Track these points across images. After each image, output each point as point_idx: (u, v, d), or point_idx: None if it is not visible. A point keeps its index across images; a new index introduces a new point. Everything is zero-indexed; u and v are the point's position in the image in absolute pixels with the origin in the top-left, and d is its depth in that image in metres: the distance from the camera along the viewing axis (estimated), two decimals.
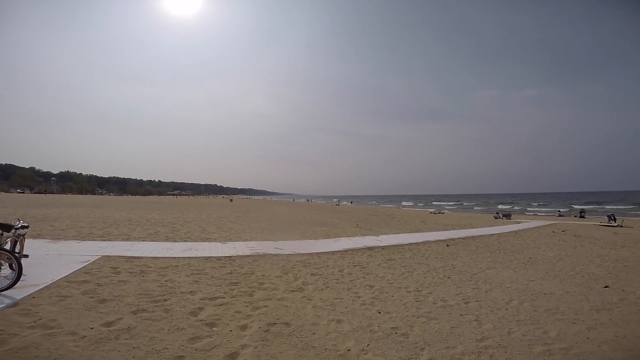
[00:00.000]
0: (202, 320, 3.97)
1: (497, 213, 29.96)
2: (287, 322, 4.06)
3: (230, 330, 3.74)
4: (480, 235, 13.81)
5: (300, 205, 52.78)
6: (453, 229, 16.96)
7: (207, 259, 7.39)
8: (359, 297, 5.27)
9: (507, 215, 28.03)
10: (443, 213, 36.51)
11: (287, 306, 4.64)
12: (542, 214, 42.41)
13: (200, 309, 4.33)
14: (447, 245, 10.88)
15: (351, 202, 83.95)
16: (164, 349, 3.21)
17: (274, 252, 8.41)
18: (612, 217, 22.34)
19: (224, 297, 4.84)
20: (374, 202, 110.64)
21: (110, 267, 6.12)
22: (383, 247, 10.10)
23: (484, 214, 37.71)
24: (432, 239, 12.18)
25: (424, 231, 15.46)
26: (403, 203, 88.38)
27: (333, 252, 8.98)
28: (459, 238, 12.81)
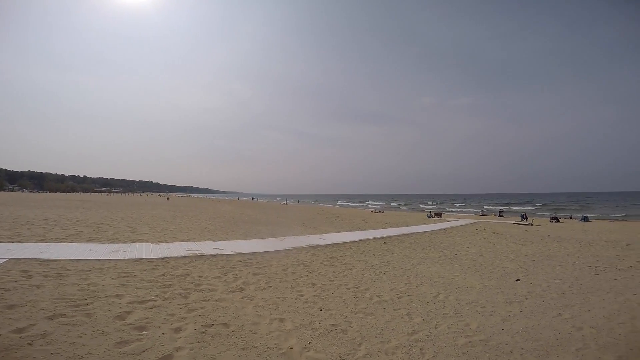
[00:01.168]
0: (130, 324, 3.72)
1: (430, 212, 32.76)
2: (225, 323, 3.99)
3: (163, 333, 3.57)
4: (414, 233, 15.00)
5: (246, 204, 51.35)
6: (391, 227, 18.13)
7: (137, 261, 6.87)
8: (302, 295, 5.39)
9: (439, 214, 30.81)
10: (383, 212, 38.69)
11: (225, 307, 4.55)
12: (464, 213, 47.35)
13: (128, 312, 4.05)
14: (385, 243, 11.63)
15: (298, 201, 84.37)
16: (87, 354, 2.97)
17: (212, 253, 8.13)
18: (524, 217, 25.93)
19: (155, 300, 4.58)
20: (315, 201, 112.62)
21: (21, 271, 5.38)
22: (326, 246, 10.41)
23: (418, 213, 40.84)
24: (372, 237, 12.90)
25: (365, 229, 16.27)
26: (339, 202, 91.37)
27: (277, 251, 9.00)
28: (395, 236, 13.78)
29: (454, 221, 24.15)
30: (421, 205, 66.43)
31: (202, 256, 7.72)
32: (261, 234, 12.82)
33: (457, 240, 13.38)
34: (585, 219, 28.93)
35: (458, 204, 75.66)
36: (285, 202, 63.13)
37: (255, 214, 24.54)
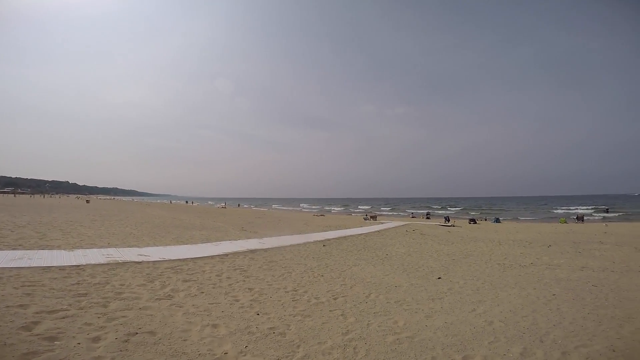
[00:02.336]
0: (38, 334, 3.34)
1: (366, 215, 34.47)
2: (151, 331, 3.77)
3: (79, 343, 3.26)
4: (351, 235, 15.68)
5: (179, 207, 47.89)
6: (331, 230, 18.68)
7: (46, 268, 6.05)
8: (237, 300, 5.30)
9: (374, 217, 32.56)
10: (324, 215, 39.54)
11: (151, 315, 4.29)
12: (398, 216, 50.83)
13: (36, 323, 3.62)
14: (324, 246, 11.97)
15: (238, 205, 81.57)
16: None
17: (137, 260, 7.50)
18: (447, 219, 28.74)
19: (67, 310, 4.13)
20: (256, 205, 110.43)
21: None
22: (266, 250, 10.34)
23: (356, 216, 42.61)
24: (312, 240, 13.18)
25: (306, 233, 16.50)
26: (273, 206, 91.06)
27: (212, 257, 8.66)
28: (334, 238, 14.25)
29: (388, 223, 25.79)
30: (359, 207, 69.52)
31: (124, 263, 7.07)
32: (194, 239, 12.19)
33: (389, 241, 14.33)
34: (497, 220, 33.17)
35: (388, 208, 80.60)
36: (223, 206, 60.44)
37: (189, 218, 23.17)
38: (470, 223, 29.24)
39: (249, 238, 13.12)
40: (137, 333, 3.68)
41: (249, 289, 6.01)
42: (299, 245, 11.84)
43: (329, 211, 65.23)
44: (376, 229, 19.74)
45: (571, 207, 56.55)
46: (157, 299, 4.99)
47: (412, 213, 50.47)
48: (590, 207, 55.88)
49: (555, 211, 51.40)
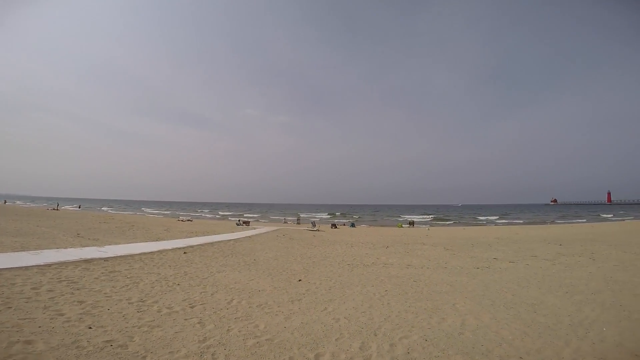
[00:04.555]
0: None
1: (239, 220, 33.93)
2: None
3: None
4: (219, 241, 15.17)
5: None
6: (197, 236, 17.54)
7: None
8: (61, 314, 4.54)
9: (247, 222, 32.33)
10: (191, 220, 36.72)
11: None
12: (269, 220, 52.04)
13: None
14: (185, 253, 11.19)
15: (79, 207, 66.57)
16: None
17: None
18: (313, 224, 31.07)
19: None
20: (119, 207, 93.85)
21: None
22: (106, 259, 8.94)
23: (228, 221, 41.31)
24: (170, 247, 12.11)
25: (165, 239, 15.00)
26: (143, 209, 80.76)
27: (27, 268, 6.96)
28: (198, 245, 13.49)
29: (260, 229, 26.06)
30: (234, 212, 67.55)
31: None
32: (3, 246, 9.48)
33: (259, 246, 14.54)
34: (352, 225, 37.89)
35: (264, 213, 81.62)
36: (55, 207, 48.17)
37: (1, 222, 17.76)
38: (332, 228, 32.41)
39: (85, 246, 11.06)
40: None
41: (79, 301, 5.17)
42: (152, 253, 10.70)
43: (200, 216, 61.08)
44: (247, 235, 19.69)
45: (413, 215, 69.27)
46: None
47: (284, 218, 52.36)
48: (421, 215, 70.07)
49: (396, 218, 62.10)
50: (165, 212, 68.53)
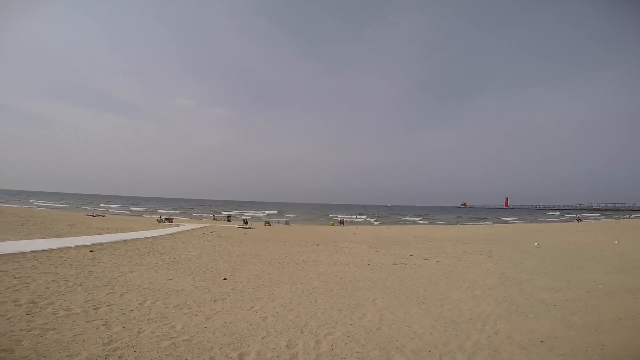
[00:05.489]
0: None
1: (160, 216, 31.45)
2: None
3: None
4: (134, 239, 13.87)
5: None
6: (108, 233, 15.80)
7: None
8: None
9: (170, 219, 30.11)
10: (104, 216, 32.88)
11: None
12: (197, 216, 49.37)
13: None
14: (91, 251, 10.02)
15: None
16: None
17: None
18: (246, 221, 30.36)
19: None
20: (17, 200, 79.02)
21: None
22: None
23: (149, 217, 38.05)
24: (74, 245, 10.72)
25: (68, 236, 13.22)
26: (31, 201, 69.72)
27: None
28: (109, 242, 12.16)
29: (185, 226, 24.48)
30: (159, 210, 62.00)
31: None
32: None
33: (181, 244, 13.67)
34: (287, 223, 37.98)
35: (192, 209, 77.01)
36: None
37: None
38: (265, 225, 32.05)
39: None
40: None
41: None
42: (50, 251, 9.36)
43: (107, 210, 54.99)
44: (169, 232, 18.32)
45: (345, 214, 71.77)
46: None
47: (213, 215, 50.03)
48: (354, 215, 73.10)
49: (330, 217, 63.86)
50: (60, 205, 60.18)
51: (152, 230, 18.70)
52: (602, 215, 72.89)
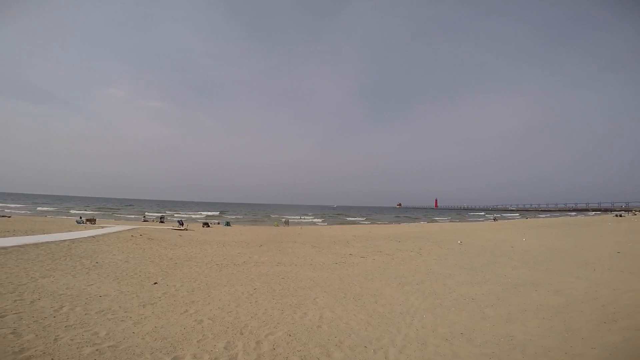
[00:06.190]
0: None
1: (80, 217, 28.33)
2: None
3: None
4: (48, 242, 12.32)
5: None
6: (14, 235, 13.77)
7: None
8: None
9: (92, 220, 27.21)
10: (10, 217, 28.48)
11: None
12: (126, 217, 45.41)
13: None
14: None
15: None
16: None
17: None
18: (181, 222, 28.69)
19: None
20: None
21: None
22: None
23: (67, 218, 33.94)
24: None
25: None
26: None
27: None
28: (15, 246, 10.64)
29: (110, 227, 22.30)
30: (72, 211, 55.21)
31: None
32: None
33: (105, 247, 12.47)
34: (227, 224, 36.71)
35: (122, 208, 70.51)
36: None
37: None
38: (204, 227, 30.62)
39: None
40: None
41: None
42: None
43: (18, 212, 47.79)
44: (90, 234, 16.54)
45: (292, 215, 71.38)
46: None
47: (144, 216, 46.31)
48: (301, 215, 73.17)
49: (276, 217, 63.30)
50: None
51: (70, 233, 16.75)
52: (519, 215, 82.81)
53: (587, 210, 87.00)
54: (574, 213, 79.39)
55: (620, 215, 47.71)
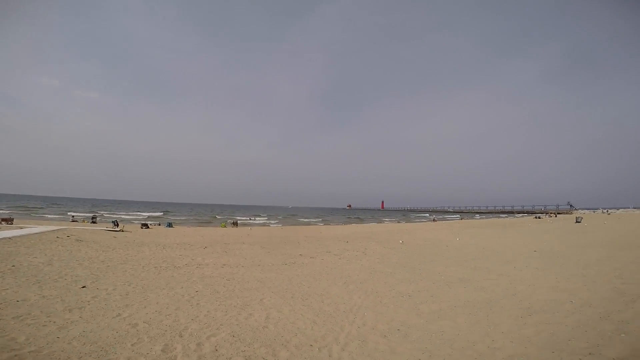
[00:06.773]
0: None
1: None
2: None
3: None
4: None
5: None
6: None
7: None
8: None
9: (8, 220, 23.99)
10: None
11: None
12: (50, 217, 40.80)
13: None
14: None
15: None
16: None
17: None
18: (116, 223, 26.54)
19: None
20: None
21: None
22: None
23: None
24: None
25: None
26: None
27: None
28: None
29: (31, 228, 19.85)
30: None
31: None
32: None
33: (23, 250, 11.10)
34: (169, 225, 34.71)
35: (44, 208, 63.02)
36: None
37: None
38: (142, 228, 28.65)
39: None
40: None
41: None
42: None
43: None
44: (7, 235, 14.59)
45: (242, 216, 69.39)
46: None
47: (73, 216, 41.94)
48: (253, 216, 71.35)
49: (224, 218, 61.18)
50: None
51: None
52: (458, 216, 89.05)
53: (512, 212, 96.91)
54: (504, 215, 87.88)
55: (539, 217, 54.38)
